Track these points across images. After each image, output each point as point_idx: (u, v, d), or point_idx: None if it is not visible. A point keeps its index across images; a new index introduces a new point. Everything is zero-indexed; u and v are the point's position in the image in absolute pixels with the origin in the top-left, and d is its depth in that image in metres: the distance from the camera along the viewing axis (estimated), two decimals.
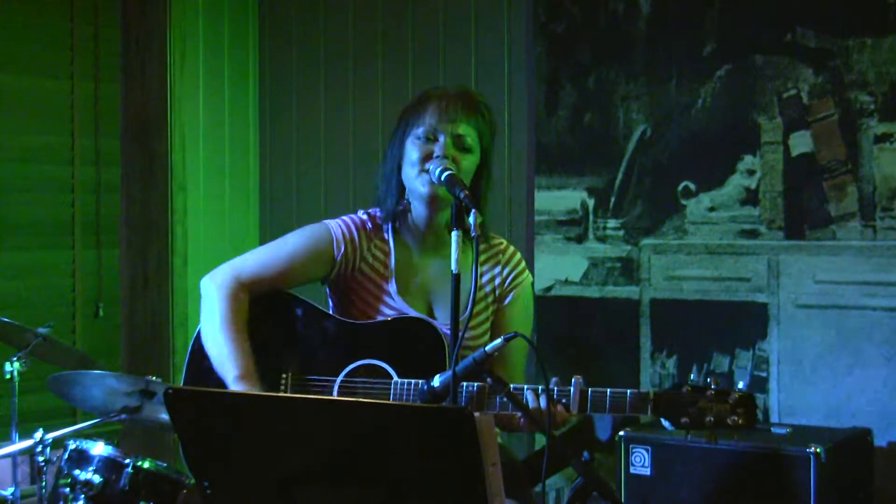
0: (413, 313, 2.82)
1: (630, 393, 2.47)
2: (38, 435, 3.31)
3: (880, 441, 3.71)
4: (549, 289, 4.38)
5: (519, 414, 2.50)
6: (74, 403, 3.81)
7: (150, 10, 4.90)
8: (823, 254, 3.88)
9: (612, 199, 4.28)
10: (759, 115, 3.99)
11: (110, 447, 3.36)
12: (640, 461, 3.56)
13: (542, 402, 2.48)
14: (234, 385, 2.69)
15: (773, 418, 3.94)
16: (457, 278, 2.37)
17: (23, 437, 3.45)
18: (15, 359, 3.57)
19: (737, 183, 4.04)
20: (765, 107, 3.98)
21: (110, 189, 4.96)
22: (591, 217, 4.32)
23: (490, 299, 2.90)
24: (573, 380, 2.50)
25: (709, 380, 2.43)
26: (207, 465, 2.11)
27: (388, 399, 2.65)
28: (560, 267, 4.38)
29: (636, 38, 4.23)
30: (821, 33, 3.88)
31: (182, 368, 2.93)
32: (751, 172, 4.01)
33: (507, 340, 2.34)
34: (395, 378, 2.68)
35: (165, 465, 3.37)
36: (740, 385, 2.42)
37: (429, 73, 4.69)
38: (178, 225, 4.90)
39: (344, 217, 2.93)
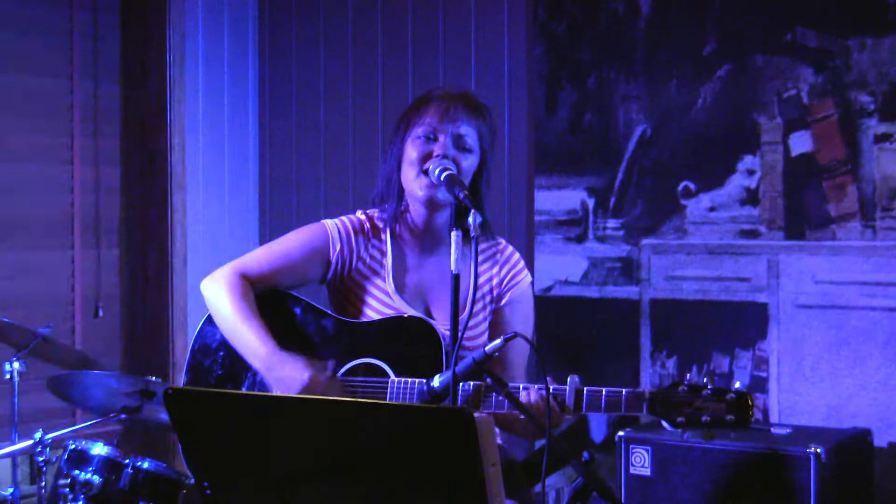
0: (411, 312, 2.82)
1: (626, 392, 2.47)
2: (38, 435, 3.31)
3: (880, 441, 3.71)
4: (549, 289, 4.38)
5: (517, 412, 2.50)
6: (74, 403, 3.81)
7: (149, 10, 4.90)
8: (823, 254, 3.88)
9: (612, 199, 4.28)
10: (759, 115, 3.99)
11: (110, 447, 3.36)
12: (640, 461, 3.56)
13: (534, 397, 2.48)
14: (267, 364, 2.68)
15: (773, 418, 3.93)
16: (456, 278, 2.38)
17: (23, 437, 3.45)
18: (15, 359, 3.57)
19: (737, 183, 4.04)
20: (765, 107, 3.98)
21: (110, 189, 4.96)
22: (591, 217, 4.32)
23: (487, 300, 2.90)
24: (569, 378, 2.50)
25: (705, 379, 2.44)
26: (207, 465, 2.11)
27: (385, 398, 2.65)
28: (560, 267, 4.38)
29: (636, 38, 4.23)
30: (821, 33, 3.88)
31: (182, 368, 2.93)
32: (751, 172, 4.01)
33: (506, 340, 2.34)
34: (393, 377, 2.68)
35: (165, 465, 3.37)
36: (737, 384, 2.43)
37: (429, 73, 4.68)
38: (178, 225, 4.90)
39: (342, 217, 2.93)
